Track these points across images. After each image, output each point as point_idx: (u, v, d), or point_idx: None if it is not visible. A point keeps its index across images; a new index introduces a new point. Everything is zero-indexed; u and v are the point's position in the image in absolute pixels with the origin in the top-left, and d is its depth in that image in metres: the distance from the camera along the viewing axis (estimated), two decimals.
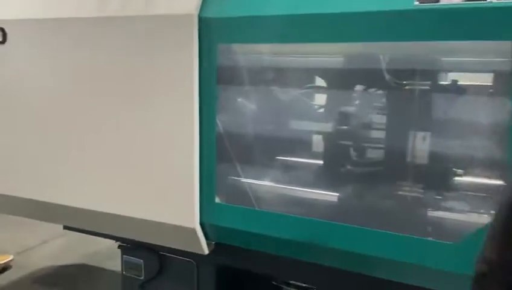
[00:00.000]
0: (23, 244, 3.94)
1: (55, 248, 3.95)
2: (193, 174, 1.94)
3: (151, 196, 2.03)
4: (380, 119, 1.96)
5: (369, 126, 2.03)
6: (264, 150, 2.10)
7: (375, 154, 2.01)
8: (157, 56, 1.93)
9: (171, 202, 1.99)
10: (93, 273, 3.56)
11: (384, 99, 1.96)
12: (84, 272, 3.59)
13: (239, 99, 2.08)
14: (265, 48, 1.90)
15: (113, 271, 3.38)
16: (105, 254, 3.57)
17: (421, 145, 1.87)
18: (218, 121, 1.94)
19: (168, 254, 2.27)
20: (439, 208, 1.85)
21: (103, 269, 3.57)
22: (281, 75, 2.05)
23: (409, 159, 1.89)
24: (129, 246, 2.35)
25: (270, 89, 2.04)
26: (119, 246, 2.39)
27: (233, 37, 1.89)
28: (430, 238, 1.68)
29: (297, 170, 2.11)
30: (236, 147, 2.01)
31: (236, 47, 1.94)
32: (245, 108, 2.07)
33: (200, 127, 1.92)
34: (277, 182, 2.10)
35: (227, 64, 1.95)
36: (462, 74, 1.82)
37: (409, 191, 1.89)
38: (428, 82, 1.84)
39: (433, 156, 1.85)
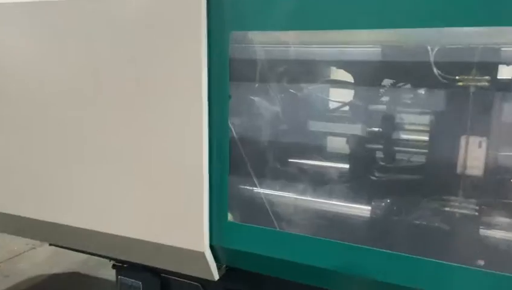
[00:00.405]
0: (10, 251, 3.63)
1: (44, 254, 3.64)
2: (201, 188, 1.62)
3: (153, 214, 1.71)
4: (427, 121, 1.64)
5: (414, 130, 1.71)
6: (286, 158, 1.79)
7: (419, 163, 1.70)
8: (157, 48, 1.59)
9: (175, 221, 1.67)
10: (85, 283, 3.28)
11: (432, 98, 1.64)
12: (76, 282, 3.30)
13: (256, 99, 1.75)
14: (288, 36, 1.56)
15: (106, 280, 3.11)
16: (97, 260, 3.27)
17: (475, 153, 1.56)
18: (231, 125, 1.61)
19: (170, 277, 1.96)
20: (497, 230, 1.55)
21: (96, 278, 3.29)
22: (306, 70, 1.72)
23: (459, 169, 1.58)
24: (126, 267, 2.04)
25: (294, 86, 1.71)
26: (113, 266, 2.08)
27: (249, 22, 1.55)
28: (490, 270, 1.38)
29: (327, 181, 1.80)
30: (252, 155, 1.68)
31: (253, 35, 1.60)
32: (264, 109, 1.74)
33: (209, 132, 1.59)
34: (301, 195, 1.79)
35: (242, 57, 1.61)
36: None
37: (458, 207, 1.59)
38: (487, 77, 1.51)
39: (491, 166, 1.54)
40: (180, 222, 1.67)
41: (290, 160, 1.84)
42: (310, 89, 1.77)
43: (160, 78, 1.60)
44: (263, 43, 1.61)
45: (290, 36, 1.53)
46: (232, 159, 1.63)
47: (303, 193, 1.82)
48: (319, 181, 1.85)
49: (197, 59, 1.54)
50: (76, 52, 1.75)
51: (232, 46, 1.55)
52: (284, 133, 1.82)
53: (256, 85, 1.69)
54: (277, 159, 1.78)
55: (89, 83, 1.75)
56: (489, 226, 1.58)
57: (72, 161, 1.84)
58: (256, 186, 1.72)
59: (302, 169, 1.86)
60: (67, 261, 3.49)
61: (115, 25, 1.66)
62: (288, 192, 1.80)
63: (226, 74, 1.55)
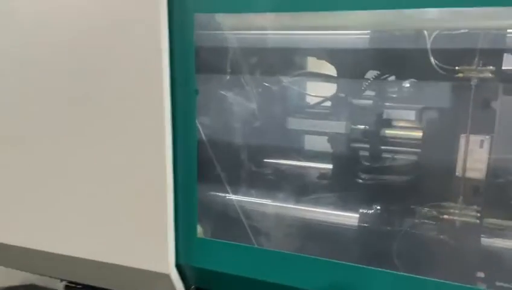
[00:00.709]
0: None
1: None
2: (165, 200, 1.38)
3: (109, 232, 1.46)
4: (422, 118, 1.45)
5: (407, 128, 1.52)
6: (262, 161, 1.57)
7: (412, 165, 1.50)
8: (107, 35, 1.33)
9: (135, 239, 1.43)
10: None
11: (428, 91, 1.44)
12: None
13: (229, 94, 1.51)
14: (264, 20, 1.33)
15: None
16: None
17: (476, 154, 1.38)
18: (198, 125, 1.37)
19: None
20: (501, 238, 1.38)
21: None
22: (286, 61, 1.49)
23: (459, 172, 1.40)
24: (79, 287, 1.78)
25: (272, 79, 1.48)
26: (66, 287, 1.81)
27: (215, 2, 1.31)
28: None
29: (309, 187, 1.59)
30: (225, 159, 1.46)
31: (222, 19, 1.36)
32: (237, 105, 1.51)
33: (173, 134, 1.35)
34: (281, 202, 1.58)
35: (211, 45, 1.37)
36: None
37: (459, 214, 1.41)
38: (490, 67, 1.33)
39: (494, 168, 1.37)
40: (141, 240, 1.42)
41: (267, 163, 1.62)
42: (290, 82, 1.55)
43: (112, 72, 1.35)
44: (235, 28, 1.37)
45: (266, 20, 1.29)
46: (201, 164, 1.40)
47: (282, 200, 1.61)
48: (300, 187, 1.64)
49: (156, 48, 1.29)
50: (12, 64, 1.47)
51: (198, 32, 1.31)
52: (261, 132, 1.59)
53: (228, 78, 1.46)
54: (253, 163, 1.56)
55: (33, 92, 1.47)
56: (492, 235, 1.41)
57: (18, 175, 1.57)
58: (229, 195, 1.49)
59: (281, 173, 1.65)
60: (24, 273, 3.18)
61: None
62: (266, 200, 1.59)
63: (191, 65, 1.31)
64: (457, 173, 1.40)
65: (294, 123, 1.72)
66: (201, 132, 1.38)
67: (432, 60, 1.36)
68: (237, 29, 1.36)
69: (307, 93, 1.76)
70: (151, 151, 1.36)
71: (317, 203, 1.64)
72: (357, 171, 1.66)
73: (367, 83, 1.58)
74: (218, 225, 1.50)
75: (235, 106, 1.49)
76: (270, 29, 1.31)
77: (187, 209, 1.41)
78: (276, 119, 1.62)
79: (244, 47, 1.39)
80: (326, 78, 1.59)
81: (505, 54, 1.33)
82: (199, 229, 1.45)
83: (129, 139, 1.38)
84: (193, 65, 1.30)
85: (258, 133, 1.57)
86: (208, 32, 1.36)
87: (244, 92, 1.48)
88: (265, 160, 1.62)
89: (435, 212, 1.44)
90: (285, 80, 1.52)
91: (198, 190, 1.41)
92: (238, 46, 1.38)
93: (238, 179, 1.58)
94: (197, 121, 1.35)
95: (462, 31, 1.32)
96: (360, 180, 1.64)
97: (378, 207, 1.57)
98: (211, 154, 1.43)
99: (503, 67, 1.34)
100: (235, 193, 1.51)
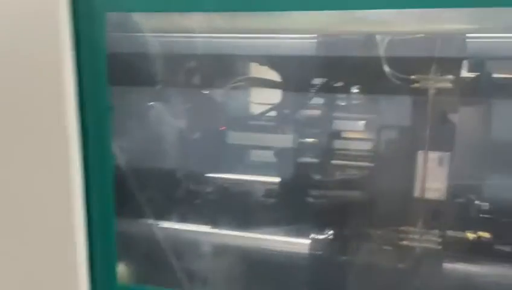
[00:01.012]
0: None
1: None
2: (75, 241, 1.12)
3: (11, 281, 1.18)
4: (376, 133, 1.29)
5: (360, 144, 1.35)
6: (196, 185, 1.34)
7: (367, 185, 1.34)
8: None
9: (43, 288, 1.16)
10: None
11: (381, 103, 1.29)
12: None
13: (152, 108, 1.28)
14: (193, 21, 1.10)
15: None
16: None
17: (435, 172, 1.24)
18: (115, 148, 1.13)
19: None
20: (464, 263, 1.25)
21: None
22: (219, 69, 1.28)
23: (417, 192, 1.25)
24: None
25: (204, 90, 1.26)
26: None
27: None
28: None
29: (252, 210, 1.39)
30: (151, 187, 1.22)
31: (141, 19, 1.12)
32: (164, 121, 1.27)
33: (84, 162, 1.10)
34: (218, 231, 1.36)
35: (128, 51, 1.13)
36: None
37: (419, 240, 1.26)
38: (449, 76, 1.19)
39: (455, 187, 1.23)
40: None
41: (203, 187, 1.40)
42: (224, 93, 1.34)
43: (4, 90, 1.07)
44: (157, 30, 1.13)
45: (195, 21, 1.07)
46: (122, 194, 1.16)
47: (221, 228, 1.40)
48: (242, 212, 1.44)
49: (55, 55, 1.03)
50: None
51: (112, 34, 1.07)
52: (195, 151, 1.37)
53: (152, 89, 1.22)
54: (185, 188, 1.33)
55: None
56: (455, 259, 1.28)
57: None
58: (157, 227, 1.26)
59: (219, 198, 1.44)
60: None
61: None
62: (201, 229, 1.37)
63: (102, 76, 1.07)
64: (415, 194, 1.26)
65: (235, 138, 1.52)
66: (119, 156, 1.14)
67: (386, 68, 1.20)
68: (160, 31, 1.13)
69: (249, 104, 1.56)
70: (55, 184, 1.10)
71: (262, 230, 1.44)
72: (306, 191, 1.48)
73: (314, 93, 1.41)
74: (145, 265, 1.26)
75: (161, 123, 1.25)
76: (199, 32, 1.08)
77: (104, 249, 1.16)
78: (212, 135, 1.40)
79: (169, 53, 1.16)
80: (267, 87, 1.40)
81: (464, 62, 1.20)
82: (121, 272, 1.21)
83: (28, 168, 1.11)
84: (105, 75, 1.06)
85: (192, 152, 1.35)
86: (124, 35, 1.12)
87: (172, 106, 1.25)
88: (200, 184, 1.40)
89: (393, 238, 1.29)
90: (220, 90, 1.31)
91: (120, 224, 1.16)
92: (163, 52, 1.14)
93: (167, 208, 1.35)
94: (112, 144, 1.11)
95: (417, 36, 1.17)
96: (311, 201, 1.47)
97: (331, 232, 1.40)
98: (133, 181, 1.18)
99: (462, 76, 1.21)
100: (163, 224, 1.28)
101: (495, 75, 1.19)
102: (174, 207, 1.35)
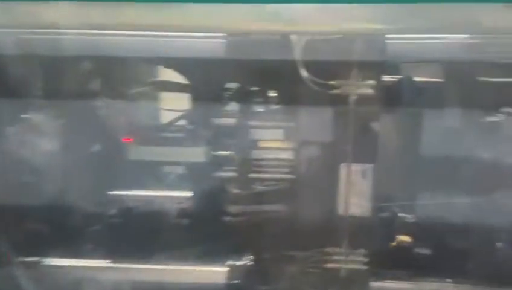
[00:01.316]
0: None
1: None
2: None
3: None
4: (293, 142, 1.15)
5: (276, 154, 1.21)
6: (88, 211, 1.11)
7: (289, 203, 1.20)
8: None
9: None
10: None
11: (298, 111, 1.15)
12: None
13: (12, 127, 1.01)
14: (60, 14, 0.85)
15: None
16: None
17: (359, 186, 1.13)
18: None
19: None
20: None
21: None
22: (105, 74, 1.05)
23: (341, 209, 1.14)
24: None
25: (83, 101, 1.03)
26: None
27: None
28: None
29: (162, 237, 1.19)
30: (18, 224, 0.97)
31: None
32: (31, 142, 1.02)
33: None
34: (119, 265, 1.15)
35: None
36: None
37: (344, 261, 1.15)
38: (370, 81, 1.08)
39: (380, 201, 1.14)
40: None
41: (98, 214, 1.17)
42: (116, 103, 1.12)
43: None
44: (14, 26, 0.87)
45: (63, 14, 0.82)
46: None
47: (124, 261, 1.18)
48: (148, 239, 1.23)
49: None
50: None
51: None
52: (83, 171, 1.14)
53: (11, 103, 0.96)
54: (72, 218, 1.10)
55: None
56: (380, 277, 1.19)
57: None
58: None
59: (122, 224, 1.22)
60: None
61: None
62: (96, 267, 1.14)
63: None
64: (339, 211, 1.14)
65: (135, 154, 1.31)
66: None
67: (303, 72, 1.06)
68: (14, 27, 0.86)
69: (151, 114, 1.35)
70: None
71: (173, 259, 1.25)
72: (222, 209, 1.31)
73: (225, 100, 1.24)
74: None
75: (28, 143, 1.00)
76: (68, 28, 0.83)
77: None
78: (100, 152, 1.18)
79: (30, 54, 0.90)
80: (171, 96, 1.20)
81: (386, 64, 1.10)
82: None
83: None
84: None
85: (74, 174, 1.11)
86: None
87: (38, 122, 1.00)
88: (94, 210, 1.17)
89: (317, 260, 1.17)
90: (105, 100, 1.08)
91: None
92: (22, 53, 0.89)
93: (55, 243, 1.10)
94: None
95: (336, 36, 1.04)
96: (227, 221, 1.30)
97: (251, 256, 1.24)
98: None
99: (383, 80, 1.11)
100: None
101: (418, 79, 1.10)
102: (59, 241, 1.11)
